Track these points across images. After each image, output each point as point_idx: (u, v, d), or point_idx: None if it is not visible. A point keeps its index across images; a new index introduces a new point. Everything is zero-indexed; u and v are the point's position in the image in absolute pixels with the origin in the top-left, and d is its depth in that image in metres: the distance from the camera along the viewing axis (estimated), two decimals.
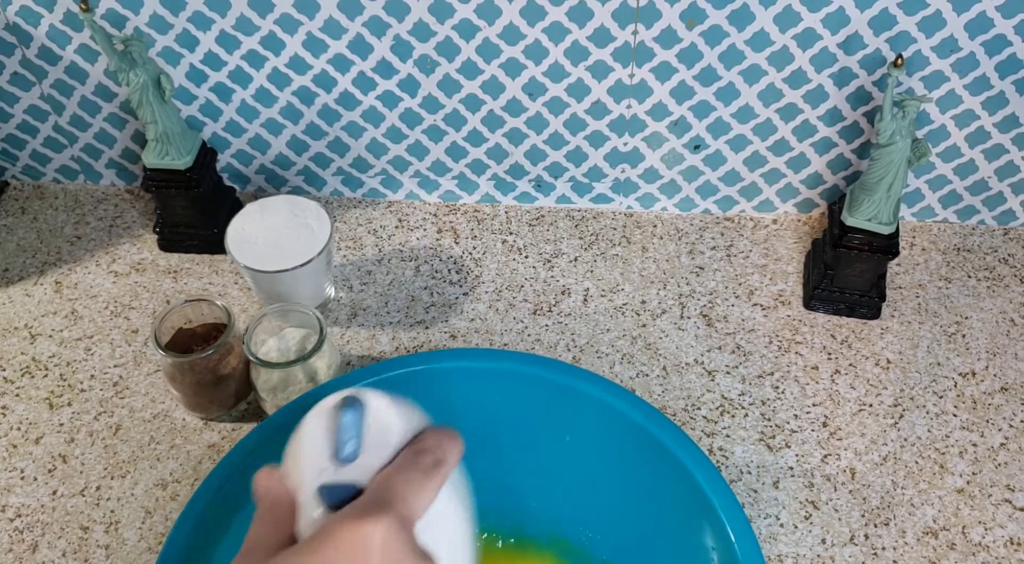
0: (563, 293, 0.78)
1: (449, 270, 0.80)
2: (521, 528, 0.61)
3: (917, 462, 0.68)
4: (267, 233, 0.71)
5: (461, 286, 0.79)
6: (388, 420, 0.40)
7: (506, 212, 0.85)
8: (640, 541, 0.57)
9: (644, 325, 0.76)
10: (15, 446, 0.69)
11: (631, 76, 0.74)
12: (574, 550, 0.60)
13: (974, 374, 0.73)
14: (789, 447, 0.69)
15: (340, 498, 0.38)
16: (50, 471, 0.68)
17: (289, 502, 0.40)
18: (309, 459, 0.40)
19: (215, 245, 0.80)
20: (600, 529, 0.59)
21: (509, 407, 0.58)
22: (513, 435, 0.58)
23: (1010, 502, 0.66)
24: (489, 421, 0.57)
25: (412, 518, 0.37)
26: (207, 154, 0.78)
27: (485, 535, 0.61)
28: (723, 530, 0.52)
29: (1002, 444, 0.69)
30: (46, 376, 0.73)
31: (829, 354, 0.74)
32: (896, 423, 0.70)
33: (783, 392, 0.72)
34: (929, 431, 0.69)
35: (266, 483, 0.41)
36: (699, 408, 0.71)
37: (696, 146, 0.79)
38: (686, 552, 0.54)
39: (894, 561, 0.63)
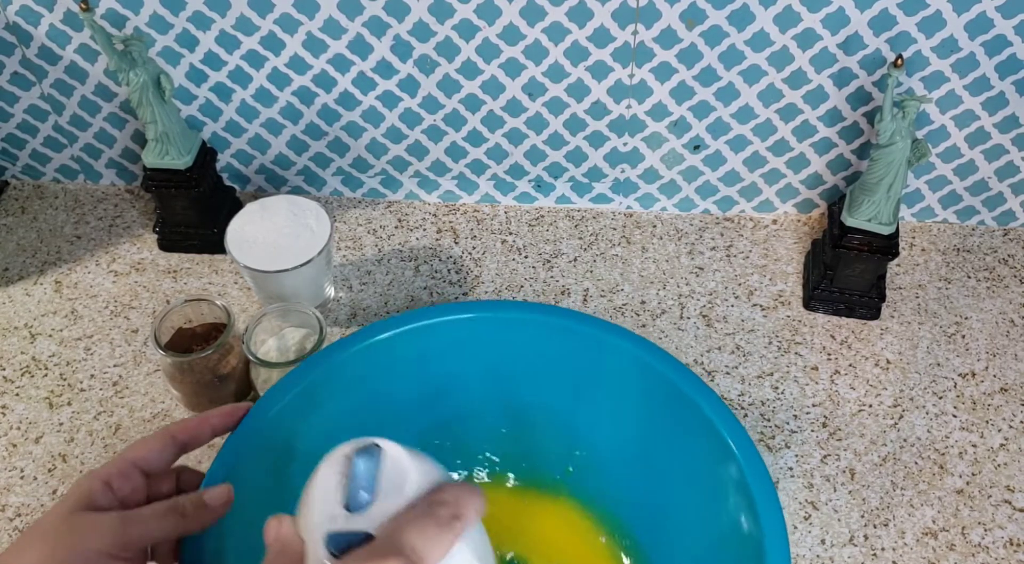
0: (563, 293, 0.78)
1: (449, 270, 0.80)
2: (537, 472, 0.62)
3: (917, 463, 0.68)
4: (267, 233, 0.71)
5: (461, 286, 0.79)
6: (404, 469, 0.39)
7: (506, 212, 0.85)
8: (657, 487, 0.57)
9: (644, 325, 0.76)
10: (15, 446, 0.69)
11: (631, 76, 0.74)
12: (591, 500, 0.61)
13: (974, 375, 0.73)
14: (789, 447, 0.69)
15: (348, 544, 0.38)
16: (50, 471, 0.68)
17: (298, 549, 0.39)
18: (321, 505, 0.39)
19: (215, 245, 0.80)
20: (617, 478, 0.59)
21: (538, 353, 0.58)
22: (533, 380, 0.59)
23: (1010, 503, 0.66)
24: (508, 364, 0.58)
25: None
26: (207, 154, 0.78)
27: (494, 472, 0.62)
28: (744, 484, 0.51)
29: (1002, 445, 0.69)
30: (46, 376, 0.73)
31: (829, 354, 0.74)
32: (896, 424, 0.70)
33: (783, 392, 0.72)
34: (929, 432, 0.69)
35: (276, 531, 0.40)
36: None
37: (696, 146, 0.79)
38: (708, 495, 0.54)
39: (893, 562, 0.63)
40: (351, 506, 0.38)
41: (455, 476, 0.61)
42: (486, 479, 0.62)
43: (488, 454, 0.62)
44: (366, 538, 0.38)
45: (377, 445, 0.40)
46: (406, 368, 0.58)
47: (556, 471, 0.61)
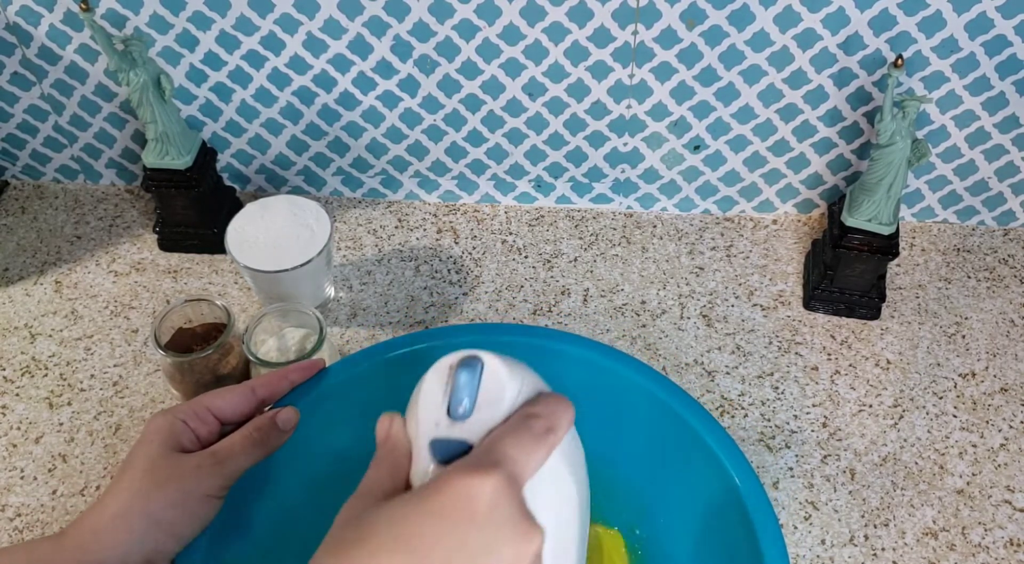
0: (563, 293, 0.78)
1: (449, 270, 0.80)
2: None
3: (917, 463, 0.68)
4: (267, 233, 0.71)
5: (461, 286, 0.79)
6: (503, 381, 0.41)
7: (506, 212, 0.85)
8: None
9: (644, 325, 0.76)
10: (15, 446, 0.69)
11: (631, 76, 0.74)
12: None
13: (974, 375, 0.73)
14: (789, 448, 0.69)
15: (451, 453, 0.39)
16: (50, 471, 0.68)
17: (406, 449, 0.41)
18: (425, 412, 0.41)
19: (215, 245, 0.80)
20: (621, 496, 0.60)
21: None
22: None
23: (1010, 503, 0.66)
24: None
25: (521, 479, 0.38)
26: (207, 154, 0.78)
27: None
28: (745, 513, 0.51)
29: (1002, 445, 0.69)
30: (46, 376, 0.73)
31: (829, 355, 0.74)
32: (896, 424, 0.70)
33: (783, 393, 0.72)
34: (929, 432, 0.69)
35: (387, 429, 0.41)
36: None
37: (696, 146, 0.79)
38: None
39: (894, 562, 0.63)
40: (453, 416, 0.40)
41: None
42: None
43: None
44: (467, 448, 0.39)
45: (479, 357, 0.41)
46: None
47: None
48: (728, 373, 0.73)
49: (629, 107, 0.76)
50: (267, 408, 0.53)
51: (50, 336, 0.76)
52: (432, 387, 0.41)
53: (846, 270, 0.73)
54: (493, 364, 0.41)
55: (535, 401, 0.41)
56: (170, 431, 0.48)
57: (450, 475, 0.37)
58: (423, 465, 0.40)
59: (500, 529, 0.36)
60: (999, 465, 0.68)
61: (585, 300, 0.78)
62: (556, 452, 0.40)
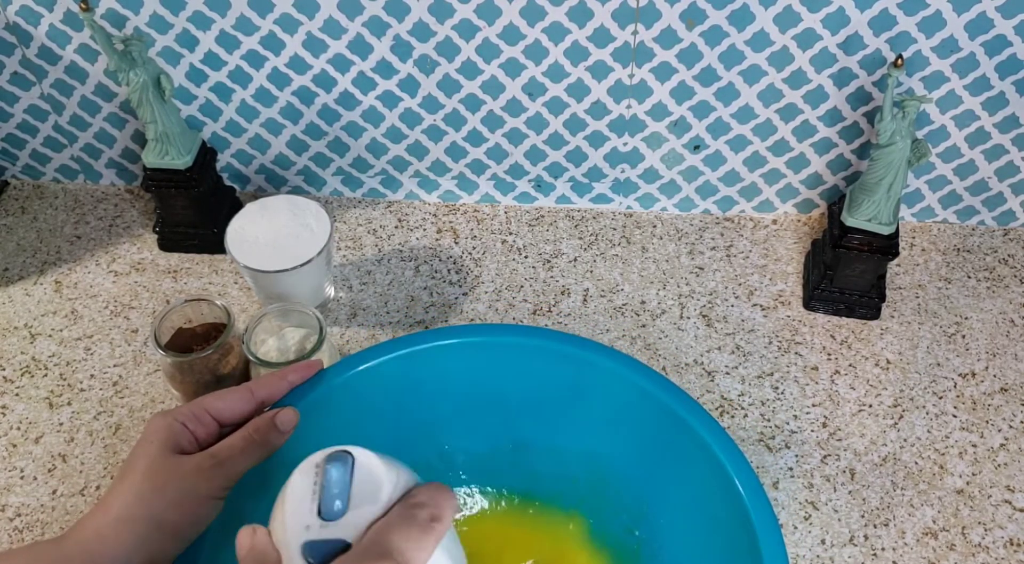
0: (563, 293, 0.78)
1: (449, 270, 0.80)
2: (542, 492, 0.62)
3: (917, 463, 0.68)
4: (267, 233, 0.71)
5: (461, 286, 0.79)
6: (377, 475, 0.40)
7: (506, 212, 0.85)
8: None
9: (644, 325, 0.76)
10: (15, 446, 0.69)
11: (631, 76, 0.74)
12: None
13: (974, 375, 0.73)
14: (789, 448, 0.69)
15: (326, 554, 0.38)
16: (50, 471, 0.68)
17: (275, 559, 0.39)
18: (293, 516, 0.39)
19: (215, 245, 0.80)
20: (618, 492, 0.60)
21: (531, 377, 0.59)
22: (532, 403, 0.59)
23: (1010, 503, 0.66)
24: (505, 389, 0.58)
25: None
26: (207, 154, 0.78)
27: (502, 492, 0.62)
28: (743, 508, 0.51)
29: (1002, 445, 0.69)
30: (46, 376, 0.73)
31: (829, 354, 0.74)
32: (896, 424, 0.70)
33: (783, 393, 0.72)
34: (929, 432, 0.69)
35: (250, 541, 0.40)
36: None
37: (696, 146, 0.79)
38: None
39: (893, 562, 0.63)
40: (325, 515, 0.39)
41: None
42: (487, 501, 0.62)
43: (489, 475, 0.62)
44: (344, 547, 0.38)
45: (348, 452, 0.40)
46: (426, 388, 0.58)
47: (558, 489, 0.62)
48: (728, 373, 0.73)
49: (629, 107, 0.76)
50: (266, 409, 0.53)
51: (50, 336, 0.76)
52: (298, 489, 0.40)
53: (846, 270, 0.73)
54: (365, 458, 0.40)
55: (416, 491, 0.40)
56: (169, 433, 0.48)
57: None
58: None
59: None
60: (999, 465, 0.68)
61: (585, 300, 0.78)
62: (439, 543, 0.39)
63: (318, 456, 0.41)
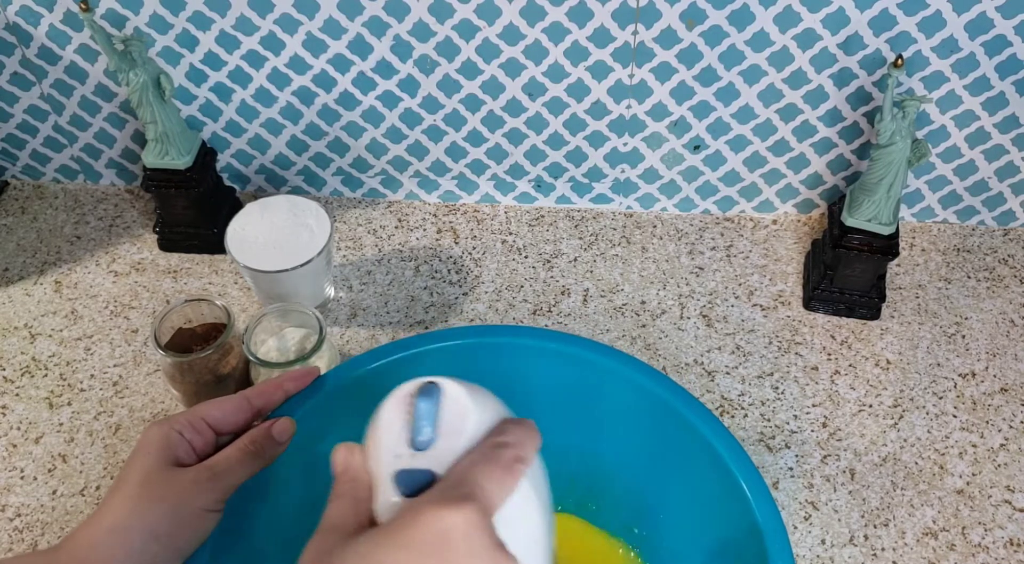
0: (563, 293, 0.78)
1: (449, 270, 0.80)
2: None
3: (917, 463, 0.68)
4: (267, 233, 0.71)
5: (461, 286, 0.79)
6: (465, 408, 0.40)
7: (506, 212, 0.85)
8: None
9: (644, 325, 0.76)
10: (15, 446, 0.69)
11: (631, 76, 0.74)
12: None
13: (974, 375, 0.73)
14: (789, 448, 0.69)
15: (416, 484, 0.39)
16: (50, 471, 0.68)
17: (367, 482, 0.40)
18: (386, 444, 0.40)
19: (215, 245, 0.80)
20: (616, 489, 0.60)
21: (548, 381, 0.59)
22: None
23: (1010, 503, 0.66)
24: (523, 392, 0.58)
25: (493, 510, 0.37)
26: (207, 154, 0.78)
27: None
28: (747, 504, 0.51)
29: (1002, 445, 0.69)
30: (46, 376, 0.73)
31: (829, 355, 0.74)
32: (896, 424, 0.70)
33: (783, 393, 0.72)
34: (929, 432, 0.69)
35: (345, 460, 0.41)
36: None
37: (696, 146, 0.79)
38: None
39: (893, 562, 0.63)
40: (415, 445, 0.39)
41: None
42: None
43: None
44: (432, 477, 0.39)
45: (436, 384, 0.41)
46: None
47: (559, 488, 0.61)
48: (728, 373, 0.73)
49: (629, 107, 0.76)
50: (263, 418, 0.53)
51: (50, 336, 0.76)
52: (390, 417, 0.40)
53: (846, 270, 0.73)
54: (453, 391, 0.40)
55: (502, 429, 0.40)
56: (166, 443, 0.48)
57: (421, 508, 0.36)
58: (388, 498, 0.39)
59: (474, 562, 0.36)
60: (999, 465, 0.68)
61: (585, 300, 0.78)
62: (524, 479, 0.40)
63: (409, 386, 0.41)
